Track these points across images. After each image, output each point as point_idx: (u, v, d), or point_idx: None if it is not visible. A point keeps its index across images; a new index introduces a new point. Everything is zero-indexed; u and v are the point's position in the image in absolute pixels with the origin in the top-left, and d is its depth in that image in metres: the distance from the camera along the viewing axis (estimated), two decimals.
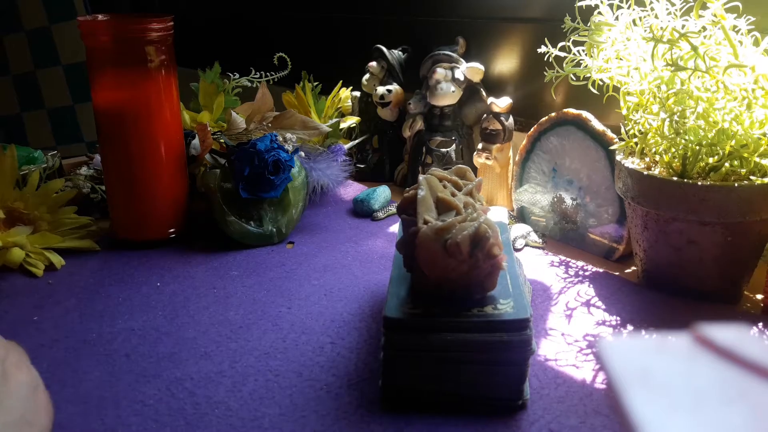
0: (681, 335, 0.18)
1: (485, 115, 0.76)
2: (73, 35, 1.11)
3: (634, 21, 0.52)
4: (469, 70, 0.78)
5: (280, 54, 0.85)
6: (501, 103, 0.74)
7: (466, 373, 0.40)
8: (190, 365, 0.46)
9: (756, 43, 0.48)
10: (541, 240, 0.66)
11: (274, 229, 0.68)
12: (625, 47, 0.52)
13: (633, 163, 0.54)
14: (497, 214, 0.68)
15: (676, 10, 0.50)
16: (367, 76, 0.88)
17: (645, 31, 0.51)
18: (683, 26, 0.49)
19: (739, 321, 0.51)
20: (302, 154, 0.75)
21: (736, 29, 0.49)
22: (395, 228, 0.71)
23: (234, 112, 0.75)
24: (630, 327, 0.50)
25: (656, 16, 0.50)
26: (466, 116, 0.81)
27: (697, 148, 0.50)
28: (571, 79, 0.55)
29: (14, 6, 1.09)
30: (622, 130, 0.56)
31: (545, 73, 0.56)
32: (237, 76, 0.84)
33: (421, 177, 0.47)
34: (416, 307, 0.41)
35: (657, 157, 0.53)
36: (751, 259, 0.53)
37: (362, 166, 0.89)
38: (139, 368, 0.46)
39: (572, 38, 0.54)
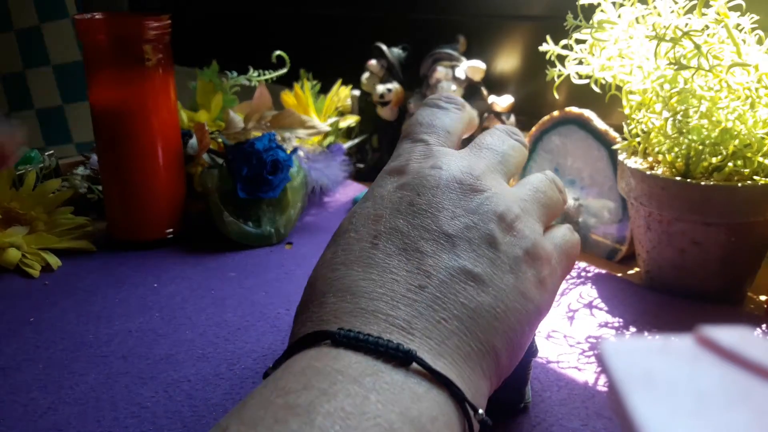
0: (684, 337, 0.18)
1: (486, 114, 0.76)
2: (63, 35, 1.11)
3: (636, 19, 0.51)
4: (469, 68, 0.78)
5: (279, 52, 0.85)
6: (502, 102, 0.74)
7: None
8: (187, 367, 0.46)
9: (760, 42, 0.48)
10: None
11: (273, 230, 0.67)
12: (628, 46, 0.52)
13: (636, 162, 0.54)
14: None
15: (679, 8, 0.50)
16: (366, 74, 0.88)
17: (648, 29, 0.50)
18: (686, 24, 0.48)
19: (743, 322, 0.51)
20: (301, 153, 0.74)
21: (739, 27, 0.48)
22: None
23: (232, 112, 0.75)
24: (633, 328, 0.50)
25: (659, 14, 0.50)
26: None
27: (701, 147, 0.49)
28: (573, 77, 0.55)
29: (4, 5, 1.09)
30: (625, 130, 0.55)
31: (547, 71, 0.56)
32: (235, 74, 0.84)
33: None
34: None
35: (660, 157, 0.53)
36: (754, 260, 0.53)
37: (362, 165, 0.89)
38: (136, 370, 0.45)
39: (574, 36, 0.54)
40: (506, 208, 0.32)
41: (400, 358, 0.26)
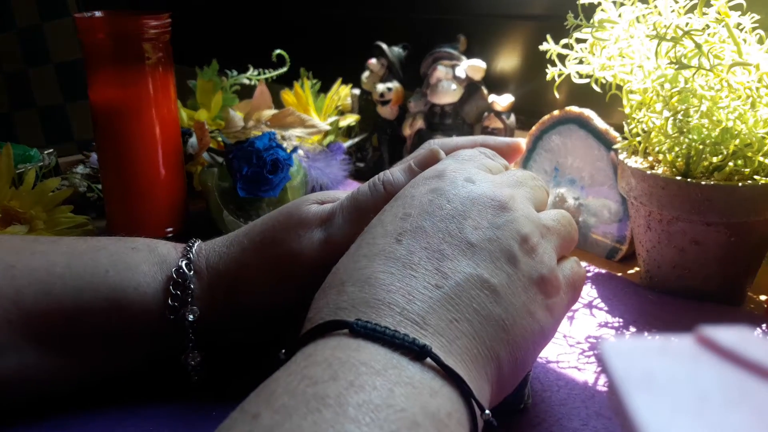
0: (684, 337, 0.18)
1: (486, 113, 0.76)
2: (65, 33, 1.11)
3: (637, 18, 0.51)
4: (470, 67, 0.78)
5: (279, 51, 0.85)
6: (502, 101, 0.73)
7: None
8: None
9: (760, 41, 0.48)
10: None
11: None
12: (629, 45, 0.52)
13: (636, 162, 0.54)
14: None
15: (679, 7, 0.49)
16: (366, 73, 0.88)
17: (648, 28, 0.50)
18: (687, 24, 0.48)
19: (743, 322, 0.51)
20: (301, 152, 0.74)
21: (740, 27, 0.48)
22: None
23: (232, 110, 0.75)
24: (633, 328, 0.50)
25: (660, 14, 0.50)
26: (467, 114, 0.80)
27: (701, 147, 0.49)
28: (574, 77, 0.55)
29: (6, 3, 1.09)
30: (625, 129, 0.55)
31: (547, 70, 0.56)
32: (235, 73, 0.84)
33: None
34: None
35: (660, 156, 0.53)
36: (754, 260, 0.53)
37: (362, 164, 0.89)
38: None
39: (575, 36, 0.54)
40: (530, 232, 0.34)
41: (415, 351, 0.28)
